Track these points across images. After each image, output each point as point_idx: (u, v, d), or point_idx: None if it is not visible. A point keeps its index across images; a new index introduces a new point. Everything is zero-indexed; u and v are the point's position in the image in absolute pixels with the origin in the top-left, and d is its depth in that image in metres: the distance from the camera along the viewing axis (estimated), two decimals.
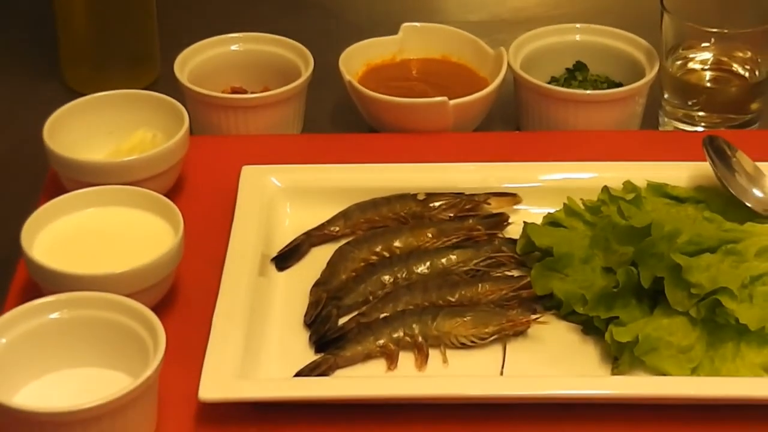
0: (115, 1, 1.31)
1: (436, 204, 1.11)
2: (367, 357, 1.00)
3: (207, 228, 1.08)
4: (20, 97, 1.35)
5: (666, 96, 1.26)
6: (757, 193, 1.08)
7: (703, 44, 1.25)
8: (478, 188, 1.13)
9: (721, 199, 1.08)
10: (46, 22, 1.35)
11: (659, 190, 1.09)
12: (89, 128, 1.14)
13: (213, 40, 1.28)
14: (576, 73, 1.29)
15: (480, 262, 1.06)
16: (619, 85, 1.26)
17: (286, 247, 1.09)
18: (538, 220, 1.09)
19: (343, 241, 1.10)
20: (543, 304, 1.03)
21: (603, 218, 1.06)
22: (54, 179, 1.12)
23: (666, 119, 1.27)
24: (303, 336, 1.02)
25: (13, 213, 1.08)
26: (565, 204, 1.09)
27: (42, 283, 0.99)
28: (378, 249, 1.08)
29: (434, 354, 1.00)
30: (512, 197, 1.12)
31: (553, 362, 1.00)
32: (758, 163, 1.10)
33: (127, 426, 0.90)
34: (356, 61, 1.27)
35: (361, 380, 0.98)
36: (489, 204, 1.11)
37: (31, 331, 0.93)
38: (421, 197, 1.11)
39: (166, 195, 1.06)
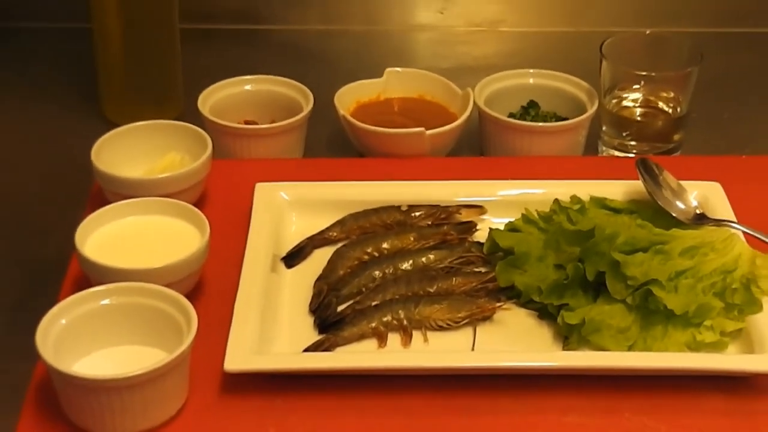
0: (146, 48, 1.32)
1: (417, 214, 1.12)
2: (362, 337, 1.01)
3: (228, 233, 1.09)
4: (65, 127, 1.36)
5: (604, 128, 1.28)
6: (680, 205, 1.10)
7: (635, 86, 1.27)
8: (450, 201, 1.14)
9: (651, 210, 1.09)
10: (88, 65, 1.36)
11: (600, 202, 1.10)
12: (128, 151, 1.15)
13: (230, 81, 1.29)
14: (529, 110, 1.30)
15: (453, 260, 1.08)
16: (565, 119, 1.27)
17: (292, 248, 1.11)
18: (500, 228, 1.10)
19: (340, 244, 1.11)
20: (506, 294, 1.04)
21: (554, 224, 1.07)
22: (98, 193, 1.13)
23: (604, 147, 1.29)
24: (308, 321, 1.03)
25: (61, 222, 1.09)
26: (522, 214, 1.10)
27: (92, 276, 1.00)
28: (369, 250, 1.09)
29: (417, 335, 1.02)
30: (479, 209, 1.13)
31: (514, 341, 1.01)
32: (680, 181, 1.12)
33: (165, 391, 0.91)
34: (348, 99, 1.28)
35: (357, 355, 1.00)
36: (460, 214, 1.13)
37: (85, 314, 0.95)
38: (404, 208, 1.13)
39: (194, 206, 1.07)
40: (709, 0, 1.54)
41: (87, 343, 0.95)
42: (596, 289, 1.02)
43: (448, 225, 1.12)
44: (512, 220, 1.11)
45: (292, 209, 1.14)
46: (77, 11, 1.36)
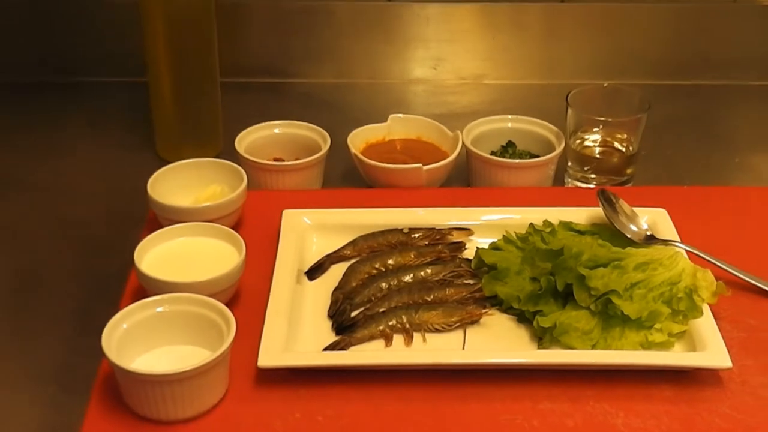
0: (192, 99, 1.32)
1: (416, 235, 1.12)
2: (371, 338, 1.01)
3: (260, 252, 1.08)
4: (126, 164, 1.35)
5: (569, 164, 1.28)
6: (633, 227, 1.09)
7: (594, 129, 1.26)
8: (443, 225, 1.13)
9: (609, 232, 1.08)
10: (144, 112, 1.36)
11: (567, 225, 1.10)
12: (177, 184, 1.15)
13: (261, 125, 1.28)
14: (508, 148, 1.30)
15: (447, 274, 1.07)
16: (537, 156, 1.27)
17: (314, 264, 1.10)
18: (485, 247, 1.09)
19: (353, 260, 1.10)
20: (490, 302, 1.04)
21: (530, 244, 1.07)
22: (153, 219, 1.13)
23: (569, 180, 1.28)
24: (327, 324, 1.03)
25: (122, 243, 1.09)
26: (503, 235, 1.10)
27: (148, 288, 1.00)
28: (377, 265, 1.08)
29: (417, 336, 1.01)
30: (467, 231, 1.13)
31: (497, 341, 1.01)
32: (633, 208, 1.11)
33: (210, 384, 0.91)
34: (358, 140, 1.28)
35: (368, 353, 0.99)
36: (452, 235, 1.12)
37: (143, 320, 0.95)
38: (405, 231, 1.12)
39: (232, 229, 1.07)
40: (654, 59, 1.54)
41: (144, 343, 0.95)
42: (565, 298, 1.01)
43: (442, 244, 1.11)
44: (495, 240, 1.11)
45: (313, 231, 1.13)
46: (136, 68, 1.36)
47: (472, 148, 1.25)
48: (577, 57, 1.54)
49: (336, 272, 1.09)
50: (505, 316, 1.03)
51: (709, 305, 1.00)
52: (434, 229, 1.13)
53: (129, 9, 1.35)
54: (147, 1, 1.25)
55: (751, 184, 1.32)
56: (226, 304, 0.96)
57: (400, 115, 1.32)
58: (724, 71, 1.55)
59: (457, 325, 1.02)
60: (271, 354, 0.95)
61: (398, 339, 1.01)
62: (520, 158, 1.28)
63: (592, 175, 1.26)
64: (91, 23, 1.51)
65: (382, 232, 1.12)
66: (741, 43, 1.54)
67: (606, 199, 1.11)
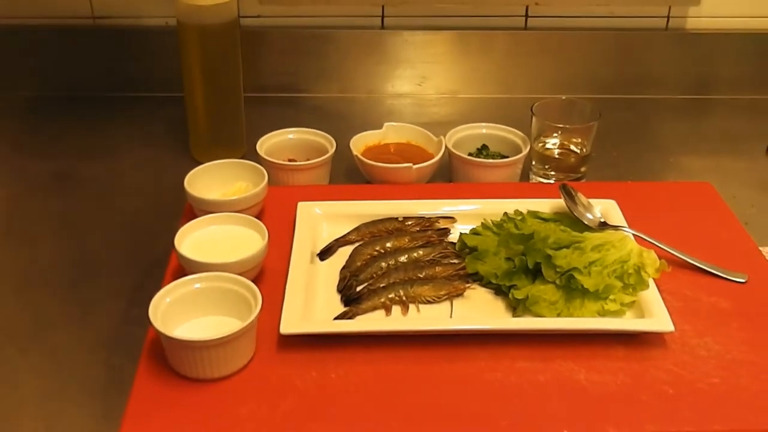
0: (221, 110, 1.29)
1: (409, 223, 1.09)
2: (374, 309, 0.98)
3: (280, 237, 1.05)
4: (167, 164, 1.32)
5: (533, 163, 1.25)
6: (589, 216, 1.07)
7: (554, 134, 1.24)
8: (431, 214, 1.10)
9: (570, 219, 1.06)
10: (182, 122, 1.33)
11: (534, 214, 1.07)
12: (209, 181, 1.12)
13: (278, 131, 1.25)
14: (483, 151, 1.27)
15: (435, 255, 1.04)
16: (507, 157, 1.24)
17: (324, 247, 1.07)
18: (467, 232, 1.07)
19: (357, 244, 1.07)
20: (472, 278, 1.01)
21: (505, 230, 1.04)
22: (189, 210, 1.10)
23: (534, 176, 1.26)
24: (336, 297, 1.00)
25: (164, 231, 1.06)
26: (482, 222, 1.07)
27: (187, 268, 0.97)
28: (377, 248, 1.06)
29: (412, 307, 0.98)
30: (452, 219, 1.10)
31: (479, 311, 0.98)
32: (589, 199, 1.09)
33: (240, 348, 0.88)
34: (359, 143, 1.25)
35: (371, 321, 0.97)
36: (439, 223, 1.09)
37: (183, 294, 0.92)
38: (400, 219, 1.09)
39: (256, 218, 1.04)
40: (602, 77, 1.52)
41: (184, 314, 0.92)
42: (535, 274, 0.99)
43: (431, 230, 1.09)
44: (475, 226, 1.08)
45: (324, 220, 1.10)
46: (175, 85, 1.32)
47: (453, 150, 1.23)
48: (538, 75, 1.51)
49: (343, 254, 1.06)
50: (484, 289, 1.01)
51: (654, 280, 0.98)
52: (424, 217, 1.10)
53: (169, 37, 1.33)
54: (184, 31, 1.23)
55: (682, 179, 1.30)
56: (253, 281, 0.93)
57: (394, 123, 1.29)
58: (658, 87, 1.53)
59: (445, 297, 0.99)
60: (291, 322, 0.92)
61: (396, 309, 0.99)
62: (493, 158, 1.25)
63: (552, 173, 1.24)
64: (139, 49, 1.48)
65: (381, 220, 1.10)
66: (671, 64, 1.52)
67: (566, 192, 1.08)
